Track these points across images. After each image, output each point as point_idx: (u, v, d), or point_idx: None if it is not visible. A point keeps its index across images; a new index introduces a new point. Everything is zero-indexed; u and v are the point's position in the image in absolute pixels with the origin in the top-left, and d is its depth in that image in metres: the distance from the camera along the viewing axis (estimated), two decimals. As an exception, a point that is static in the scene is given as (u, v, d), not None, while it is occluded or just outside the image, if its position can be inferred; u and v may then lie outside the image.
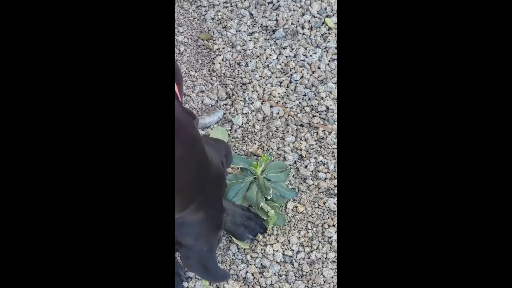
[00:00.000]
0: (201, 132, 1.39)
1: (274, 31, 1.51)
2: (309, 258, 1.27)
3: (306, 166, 1.35)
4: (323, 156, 1.36)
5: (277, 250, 1.27)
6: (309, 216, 1.31)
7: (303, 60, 1.47)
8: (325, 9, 1.53)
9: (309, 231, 1.29)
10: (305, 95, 1.43)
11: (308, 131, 1.39)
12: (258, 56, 1.48)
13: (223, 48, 1.49)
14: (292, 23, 1.52)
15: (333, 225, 1.29)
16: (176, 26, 1.53)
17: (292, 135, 1.38)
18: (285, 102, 1.42)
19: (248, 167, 1.31)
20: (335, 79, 1.44)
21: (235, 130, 1.39)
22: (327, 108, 1.41)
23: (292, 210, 1.31)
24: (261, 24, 1.52)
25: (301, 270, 1.26)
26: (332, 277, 1.25)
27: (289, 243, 1.28)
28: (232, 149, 1.36)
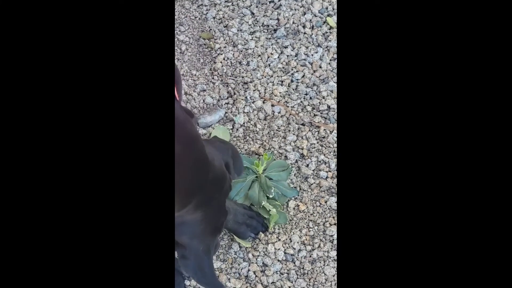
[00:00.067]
0: (203, 131, 1.40)
1: (275, 30, 1.51)
2: (310, 256, 1.27)
3: (307, 165, 1.36)
4: (324, 155, 1.37)
5: (278, 249, 1.28)
6: (311, 214, 1.31)
7: (304, 59, 1.47)
8: (327, 8, 1.53)
9: (310, 229, 1.30)
10: (306, 94, 1.43)
11: (309, 130, 1.39)
12: (259, 55, 1.48)
13: (225, 47, 1.49)
14: (293, 22, 1.52)
15: (335, 224, 1.30)
16: (177, 25, 1.53)
17: (294, 134, 1.39)
18: (286, 101, 1.43)
19: (250, 166, 1.31)
20: (336, 78, 1.45)
21: (237, 129, 1.40)
22: (329, 107, 1.42)
23: (294, 208, 1.32)
24: (263, 23, 1.52)
25: (303, 268, 1.26)
26: (333, 276, 1.25)
27: (291, 241, 1.29)
28: (233, 148, 1.36)
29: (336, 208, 1.31)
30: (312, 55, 1.48)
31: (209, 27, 1.53)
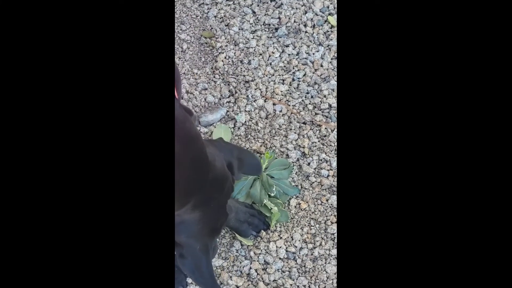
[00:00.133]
0: (204, 130, 1.40)
1: (276, 29, 1.51)
2: (312, 254, 1.28)
3: (309, 164, 1.36)
4: (325, 153, 1.37)
5: (280, 247, 1.28)
6: (312, 213, 1.32)
7: (305, 58, 1.48)
8: (328, 7, 1.54)
9: (312, 227, 1.30)
10: (307, 93, 1.44)
11: (310, 129, 1.40)
12: (261, 54, 1.48)
13: (226, 46, 1.50)
14: (294, 21, 1.52)
15: (336, 222, 1.30)
16: (178, 24, 1.53)
17: (295, 133, 1.39)
18: (288, 100, 1.43)
19: (252, 165, 1.31)
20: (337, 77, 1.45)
21: (238, 128, 1.40)
22: (330, 105, 1.42)
23: (295, 207, 1.32)
24: (264, 22, 1.53)
25: (304, 266, 1.27)
26: (334, 274, 1.26)
27: (292, 239, 1.29)
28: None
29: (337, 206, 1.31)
30: (313, 53, 1.48)
31: (210, 26, 1.53)
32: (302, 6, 1.54)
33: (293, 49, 1.49)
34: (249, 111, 1.42)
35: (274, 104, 1.43)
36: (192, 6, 1.56)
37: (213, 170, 0.87)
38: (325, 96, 1.43)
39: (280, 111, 1.42)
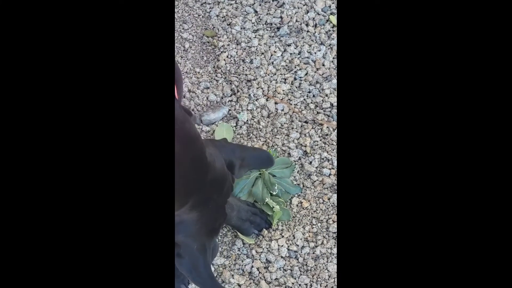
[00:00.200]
0: (206, 128, 1.40)
1: (278, 28, 1.52)
2: (313, 253, 1.28)
3: (310, 162, 1.36)
4: (327, 152, 1.37)
5: (282, 245, 1.28)
6: (314, 211, 1.32)
7: (307, 57, 1.48)
8: (330, 6, 1.54)
9: (313, 226, 1.30)
10: (309, 92, 1.44)
11: (312, 128, 1.40)
12: (262, 53, 1.49)
13: (228, 45, 1.50)
14: (296, 21, 1.52)
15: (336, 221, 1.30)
16: (181, 23, 1.54)
17: (297, 132, 1.40)
18: (289, 99, 1.43)
19: (254, 163, 1.31)
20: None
21: (240, 127, 1.40)
22: (331, 105, 1.42)
23: (297, 205, 1.32)
24: (266, 21, 1.53)
25: (306, 265, 1.27)
26: (336, 272, 1.26)
27: (294, 238, 1.29)
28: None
29: (339, 205, 1.31)
30: (315, 53, 1.48)
31: (212, 25, 1.53)
32: (304, 5, 1.54)
33: (295, 48, 1.49)
34: (251, 110, 1.42)
35: (276, 103, 1.43)
36: (194, 5, 1.56)
37: (212, 171, 0.87)
38: (326, 95, 1.44)
39: (282, 110, 1.42)
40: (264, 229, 1.29)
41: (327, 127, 1.40)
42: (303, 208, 1.32)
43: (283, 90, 1.44)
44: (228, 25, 1.53)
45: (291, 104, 1.42)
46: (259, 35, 1.51)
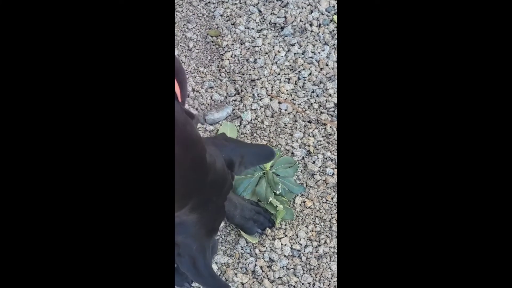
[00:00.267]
0: (210, 128, 1.41)
1: (282, 28, 1.52)
2: (316, 252, 1.28)
3: (314, 162, 1.37)
4: (330, 152, 1.38)
5: (285, 244, 1.29)
6: (317, 211, 1.32)
7: (311, 57, 1.48)
8: (334, 6, 1.54)
9: (317, 225, 1.31)
10: (313, 92, 1.45)
11: (316, 127, 1.41)
12: (266, 53, 1.49)
13: (232, 44, 1.50)
14: (300, 20, 1.53)
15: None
16: (185, 22, 1.54)
17: (300, 131, 1.40)
18: (293, 99, 1.44)
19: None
20: (342, 76, 1.46)
21: (244, 126, 1.41)
22: (335, 104, 1.43)
23: (300, 205, 1.33)
24: (270, 21, 1.53)
25: (309, 264, 1.28)
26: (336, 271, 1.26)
27: (297, 237, 1.30)
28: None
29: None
30: (319, 53, 1.49)
31: (216, 24, 1.54)
32: (308, 5, 1.55)
33: (299, 48, 1.50)
34: (255, 109, 1.43)
35: (279, 102, 1.43)
36: (198, 5, 1.57)
37: (212, 173, 0.87)
38: (330, 95, 1.44)
39: (286, 109, 1.43)
40: (268, 228, 1.30)
41: (330, 127, 1.40)
42: (306, 208, 1.33)
43: (287, 90, 1.45)
44: (232, 24, 1.53)
45: (294, 104, 1.43)
46: (263, 34, 1.52)
